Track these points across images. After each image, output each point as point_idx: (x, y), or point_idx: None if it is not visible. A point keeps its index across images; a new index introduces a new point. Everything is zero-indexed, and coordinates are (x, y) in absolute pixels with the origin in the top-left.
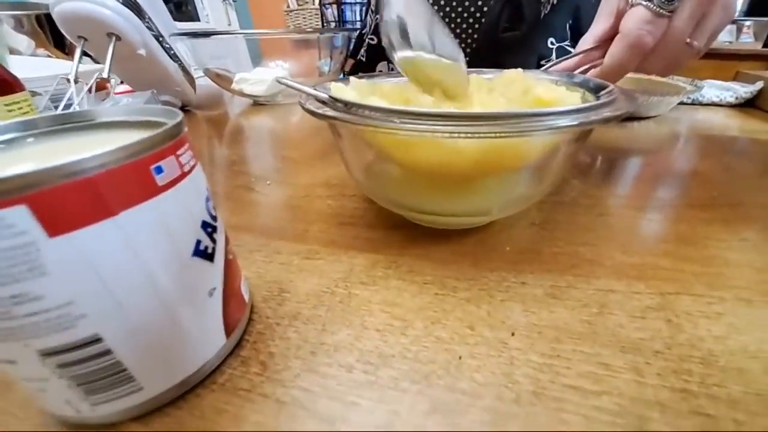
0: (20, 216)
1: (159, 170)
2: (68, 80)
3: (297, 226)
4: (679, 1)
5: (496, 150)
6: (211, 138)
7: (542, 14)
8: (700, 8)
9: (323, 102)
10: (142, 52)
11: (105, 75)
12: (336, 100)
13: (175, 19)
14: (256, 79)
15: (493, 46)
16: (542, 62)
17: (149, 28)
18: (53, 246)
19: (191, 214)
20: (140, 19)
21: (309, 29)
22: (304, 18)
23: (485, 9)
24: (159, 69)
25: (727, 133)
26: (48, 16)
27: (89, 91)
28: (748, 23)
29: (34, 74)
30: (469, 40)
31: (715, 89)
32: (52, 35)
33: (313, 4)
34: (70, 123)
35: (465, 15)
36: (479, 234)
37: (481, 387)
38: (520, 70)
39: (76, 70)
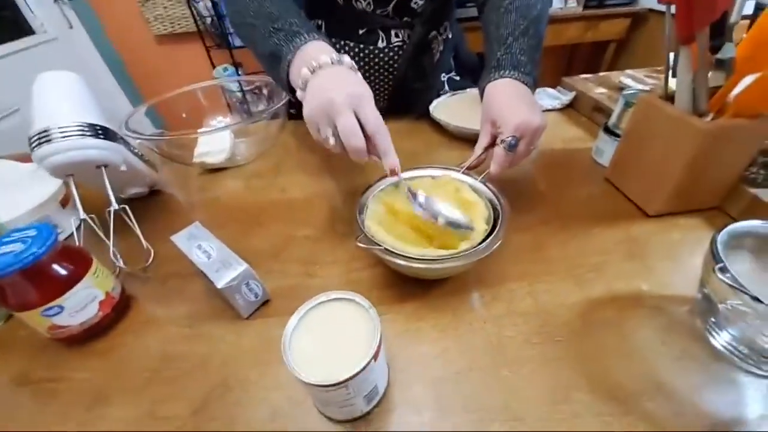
0: None
1: None
2: (87, 218)
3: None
4: (517, 145)
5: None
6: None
7: (435, 59)
8: (532, 140)
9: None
10: (123, 168)
11: (115, 207)
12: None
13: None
14: (216, 150)
15: (404, 94)
16: (458, 166)
17: (124, 144)
18: None
19: None
20: (116, 142)
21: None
22: (165, 8)
23: (394, 67)
24: (134, 172)
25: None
26: None
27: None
28: None
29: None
30: (385, 93)
31: (547, 98)
32: None
33: None
34: None
35: (380, 73)
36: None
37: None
38: (450, 173)
39: (81, 205)
